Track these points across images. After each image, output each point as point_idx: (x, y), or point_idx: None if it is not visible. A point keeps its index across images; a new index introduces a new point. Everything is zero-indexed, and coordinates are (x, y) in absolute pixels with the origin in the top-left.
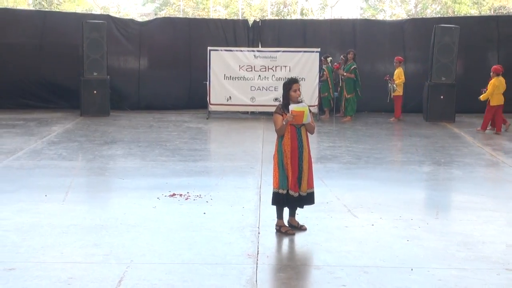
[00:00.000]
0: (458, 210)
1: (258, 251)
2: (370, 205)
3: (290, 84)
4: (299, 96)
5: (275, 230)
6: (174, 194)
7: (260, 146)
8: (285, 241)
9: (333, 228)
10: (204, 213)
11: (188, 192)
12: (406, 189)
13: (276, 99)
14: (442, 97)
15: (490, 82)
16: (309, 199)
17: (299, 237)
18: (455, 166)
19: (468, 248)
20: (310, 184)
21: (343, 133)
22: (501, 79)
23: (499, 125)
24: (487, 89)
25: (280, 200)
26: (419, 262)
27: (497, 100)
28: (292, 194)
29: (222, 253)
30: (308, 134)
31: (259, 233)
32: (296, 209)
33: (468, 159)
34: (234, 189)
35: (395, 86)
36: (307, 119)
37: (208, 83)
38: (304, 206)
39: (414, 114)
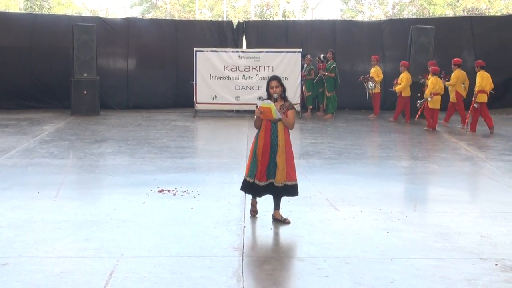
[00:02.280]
0: (435, 203)
1: (243, 244)
2: (351, 198)
3: (269, 81)
4: (275, 93)
5: (260, 224)
6: (162, 190)
7: (245, 143)
8: (270, 234)
9: (316, 221)
10: (192, 208)
11: (176, 188)
12: (386, 183)
13: (260, 98)
14: (419, 94)
15: (429, 81)
16: (287, 190)
17: (283, 230)
18: (432, 161)
19: (445, 239)
20: (291, 177)
21: (325, 130)
22: (463, 72)
23: (466, 120)
24: (398, 81)
25: (246, 187)
26: (399, 253)
27: (457, 96)
28: (257, 183)
29: (209, 246)
30: (289, 130)
31: (244, 226)
32: (279, 202)
33: (444, 154)
34: (220, 184)
35: (373, 84)
36: (276, 115)
37: (194, 82)
38: (284, 197)
39: (393, 111)
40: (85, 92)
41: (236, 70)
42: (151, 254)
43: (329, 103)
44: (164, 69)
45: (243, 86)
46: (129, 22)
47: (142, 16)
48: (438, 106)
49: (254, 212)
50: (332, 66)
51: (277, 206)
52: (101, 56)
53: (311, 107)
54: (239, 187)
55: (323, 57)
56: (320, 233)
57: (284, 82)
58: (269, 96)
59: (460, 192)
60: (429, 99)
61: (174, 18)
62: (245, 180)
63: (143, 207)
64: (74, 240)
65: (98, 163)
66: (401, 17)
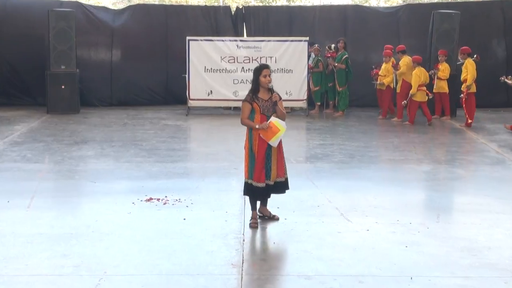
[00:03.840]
0: (461, 213)
1: (243, 260)
2: (365, 208)
3: (261, 69)
4: (269, 82)
5: (261, 238)
6: (151, 199)
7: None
8: (273, 248)
9: (325, 234)
10: (184, 219)
11: (166, 196)
12: (404, 190)
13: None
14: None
15: (413, 73)
16: (280, 187)
17: (287, 244)
18: (457, 165)
19: (473, 254)
20: (280, 173)
21: (335, 129)
22: (422, 69)
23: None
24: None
25: (249, 190)
26: (419, 270)
27: (421, 95)
28: (257, 185)
29: (204, 263)
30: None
31: (244, 240)
32: (267, 198)
33: (471, 157)
34: (216, 192)
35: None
36: (276, 141)
37: (187, 76)
38: (273, 194)
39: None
40: (63, 87)
41: (234, 62)
42: (138, 272)
43: (340, 99)
44: (153, 61)
45: (242, 79)
46: (114, 10)
47: (129, 1)
48: (424, 99)
49: (254, 224)
50: (344, 57)
51: (264, 202)
52: (81, 46)
53: (319, 103)
54: (237, 195)
55: (334, 47)
56: (330, 248)
57: (289, 75)
58: (256, 87)
59: (490, 200)
60: (430, 96)
61: (164, 3)
62: (246, 183)
63: (129, 218)
64: (49, 256)
65: (77, 168)
66: (420, 2)
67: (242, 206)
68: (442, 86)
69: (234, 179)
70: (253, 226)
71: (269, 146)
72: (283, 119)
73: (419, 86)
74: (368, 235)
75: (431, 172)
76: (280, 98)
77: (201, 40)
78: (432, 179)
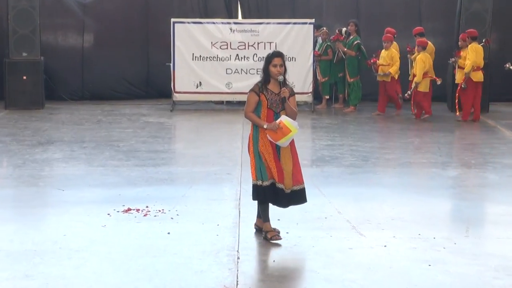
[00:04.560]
0: (494, 225)
1: (237, 281)
2: (381, 220)
3: (272, 57)
4: (281, 74)
5: (259, 255)
6: (129, 209)
7: (239, 145)
8: (272, 267)
9: (334, 251)
10: (169, 233)
11: (147, 207)
12: (427, 199)
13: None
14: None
15: (417, 58)
16: (296, 197)
17: (290, 262)
18: (489, 169)
19: (508, 274)
20: (298, 180)
21: (345, 128)
22: (428, 55)
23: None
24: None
25: (259, 193)
26: None
27: (425, 85)
28: (280, 187)
29: (192, 285)
30: None
31: (238, 258)
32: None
33: (506, 160)
34: (206, 201)
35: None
36: (286, 142)
37: (171, 65)
38: (290, 206)
39: (436, 102)
40: (25, 77)
41: (227, 48)
42: None
43: (351, 92)
44: (132, 47)
45: (236, 69)
46: None
47: None
48: (427, 89)
49: (278, 236)
50: (355, 42)
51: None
52: (47, 29)
53: (327, 97)
54: (231, 205)
55: (345, 31)
56: (340, 267)
57: (291, 63)
58: (267, 78)
59: None
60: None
61: None
62: (255, 186)
63: (104, 232)
64: (8, 277)
65: (42, 173)
66: None
67: (236, 218)
68: (480, 76)
69: (227, 186)
70: (278, 238)
71: (278, 148)
72: (293, 119)
73: (424, 74)
74: (385, 252)
75: (459, 178)
76: (293, 94)
77: (188, 22)
78: (460, 186)
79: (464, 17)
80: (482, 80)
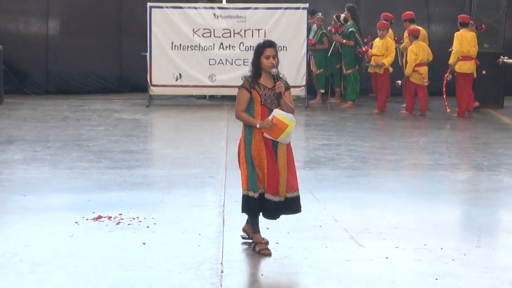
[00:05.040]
0: (509, 235)
1: None
2: (382, 229)
3: (263, 48)
4: (274, 67)
5: (245, 268)
6: (100, 217)
7: (224, 145)
8: (260, 282)
9: (330, 263)
10: (144, 243)
11: (120, 214)
12: (434, 205)
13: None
14: (484, 72)
15: (408, 49)
16: (290, 206)
17: (280, 276)
18: (504, 172)
19: None
20: (293, 186)
21: (343, 125)
22: (422, 44)
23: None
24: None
25: (251, 206)
26: None
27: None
28: (270, 198)
29: None
30: None
31: (222, 271)
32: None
33: None
34: (186, 208)
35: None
36: (286, 138)
37: (148, 55)
38: (283, 215)
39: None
40: None
41: (210, 36)
42: None
43: (347, 86)
44: (103, 35)
45: (221, 59)
46: None
47: None
48: (421, 82)
49: (268, 250)
50: (350, 30)
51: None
52: (5, 15)
53: (322, 91)
54: (214, 212)
55: (343, 18)
56: (336, 281)
57: (282, 53)
58: (257, 71)
59: None
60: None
61: None
62: (245, 197)
63: (71, 242)
64: None
65: (0, 176)
66: None
67: (220, 227)
68: (468, 67)
69: (209, 190)
70: (267, 253)
71: (275, 150)
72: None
73: (416, 66)
74: (386, 265)
75: (470, 181)
76: (288, 88)
77: (166, 7)
78: (471, 191)
79: (476, 1)
80: (471, 71)
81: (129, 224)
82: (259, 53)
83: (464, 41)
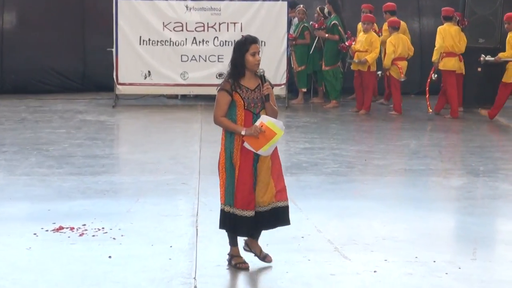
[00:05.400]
0: (506, 246)
1: None
2: (369, 240)
3: (248, 44)
4: (259, 63)
5: (221, 283)
6: (61, 228)
7: (197, 149)
8: None
9: (312, 277)
10: (110, 257)
11: (84, 225)
12: (426, 213)
13: (220, 75)
14: (479, 69)
15: (387, 41)
16: (279, 217)
17: None
18: (501, 178)
19: None
20: (282, 195)
21: (326, 127)
22: (402, 37)
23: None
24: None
25: (227, 221)
26: None
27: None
28: (242, 215)
29: None
30: None
31: (195, 287)
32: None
33: None
34: (156, 218)
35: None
36: (269, 149)
37: (114, 51)
38: (271, 228)
39: (437, 97)
40: None
41: (182, 30)
42: None
43: (327, 84)
44: (64, 29)
45: (194, 56)
46: None
47: None
48: (398, 76)
49: (245, 264)
50: (332, 23)
51: (257, 235)
52: None
53: (304, 90)
54: (187, 222)
55: (327, 12)
56: None
57: (261, 49)
58: (240, 70)
59: None
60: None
61: None
62: (222, 211)
63: (29, 256)
64: None
65: None
66: None
67: (193, 238)
68: (452, 64)
69: (182, 198)
70: (243, 267)
71: (256, 158)
72: (275, 117)
73: (395, 60)
74: (374, 279)
75: (465, 188)
76: (272, 86)
77: None
78: (466, 198)
79: None
80: (456, 69)
81: (93, 236)
82: (243, 50)
83: (448, 36)
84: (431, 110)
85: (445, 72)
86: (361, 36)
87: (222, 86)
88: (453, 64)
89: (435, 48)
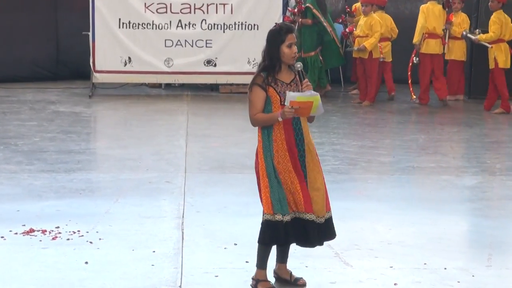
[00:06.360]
0: None
1: None
2: (373, 245)
3: (284, 34)
4: (296, 56)
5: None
6: (32, 231)
7: (183, 143)
8: None
9: (311, 286)
10: (86, 262)
11: (57, 227)
12: (436, 216)
13: (209, 63)
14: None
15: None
16: (331, 228)
17: None
18: None
19: None
20: (328, 204)
21: (326, 120)
22: (387, 17)
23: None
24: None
25: (276, 234)
26: None
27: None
28: (310, 219)
29: None
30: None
31: None
32: (288, 250)
33: None
34: (138, 220)
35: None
36: (318, 110)
37: (90, 35)
38: (320, 242)
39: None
40: None
41: (166, 12)
42: None
43: (307, 72)
44: (34, 10)
45: (179, 40)
46: None
47: None
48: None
49: None
50: (306, 5)
51: (284, 256)
52: None
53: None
54: (171, 225)
55: None
56: None
57: (253, 33)
58: (276, 63)
59: None
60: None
61: None
62: (269, 222)
63: None
64: None
65: None
66: None
67: (178, 242)
68: (457, 51)
69: (166, 198)
70: None
71: (303, 160)
72: (312, 120)
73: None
74: (379, 287)
75: (479, 188)
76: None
77: None
78: (481, 199)
79: None
80: (439, 51)
81: (68, 239)
82: (278, 41)
83: (431, 15)
84: (414, 97)
85: (424, 56)
86: (361, 20)
87: (253, 80)
88: (433, 47)
89: (417, 28)
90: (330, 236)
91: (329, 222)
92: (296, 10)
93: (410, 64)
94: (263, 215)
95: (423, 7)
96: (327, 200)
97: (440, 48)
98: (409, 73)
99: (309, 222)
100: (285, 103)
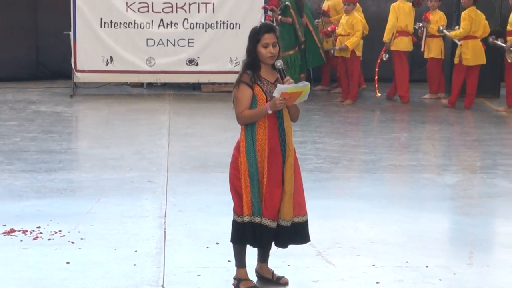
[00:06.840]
0: (506, 249)
1: None
2: (355, 243)
3: (259, 34)
4: (275, 58)
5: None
6: (12, 231)
7: (165, 143)
8: None
9: (293, 285)
10: (68, 262)
11: (38, 227)
12: (417, 214)
13: (191, 62)
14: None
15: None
16: (299, 233)
17: None
18: (500, 174)
19: None
20: (302, 208)
21: (308, 118)
22: (360, 15)
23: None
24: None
25: (247, 234)
26: None
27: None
28: (267, 224)
29: None
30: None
31: None
32: (269, 250)
33: None
34: (120, 219)
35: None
36: (303, 97)
37: (71, 34)
38: (290, 245)
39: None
40: None
41: (148, 11)
42: None
43: (291, 70)
44: (14, 10)
45: (161, 40)
46: None
47: None
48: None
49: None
50: (285, 4)
51: (265, 256)
52: None
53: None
54: (154, 224)
55: None
56: None
57: (235, 32)
58: (255, 62)
59: None
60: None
61: None
62: (240, 224)
63: None
64: None
65: None
66: None
67: (160, 242)
68: (435, 49)
69: (148, 198)
70: None
71: (283, 162)
72: (296, 118)
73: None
74: (361, 286)
75: (460, 186)
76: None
77: None
78: (462, 197)
79: None
80: (409, 49)
81: (49, 240)
82: (255, 41)
83: (402, 14)
84: (379, 94)
85: (396, 53)
86: (342, 19)
87: (239, 78)
88: (404, 44)
89: (387, 26)
90: (302, 240)
91: (297, 226)
92: (270, 7)
93: (379, 61)
94: (234, 215)
95: (394, 5)
96: (299, 204)
97: (411, 45)
98: (376, 69)
99: (266, 228)
100: (275, 95)
